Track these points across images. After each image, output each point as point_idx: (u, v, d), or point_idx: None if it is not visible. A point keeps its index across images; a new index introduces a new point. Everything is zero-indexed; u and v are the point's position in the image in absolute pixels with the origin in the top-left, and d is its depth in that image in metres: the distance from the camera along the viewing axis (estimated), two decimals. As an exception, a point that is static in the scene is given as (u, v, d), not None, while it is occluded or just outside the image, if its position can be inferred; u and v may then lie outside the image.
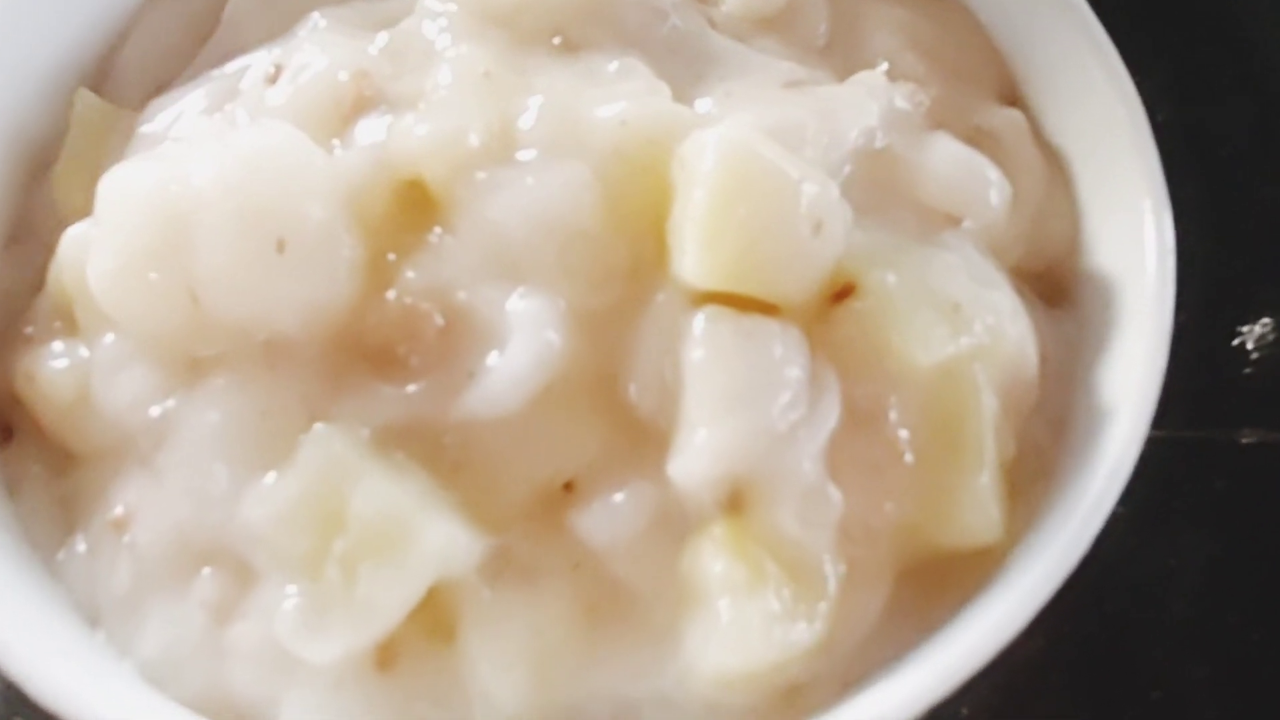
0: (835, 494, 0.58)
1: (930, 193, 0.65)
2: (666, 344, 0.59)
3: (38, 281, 0.68)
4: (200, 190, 0.59)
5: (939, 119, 0.69)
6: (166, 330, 0.61)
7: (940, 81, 0.70)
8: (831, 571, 0.58)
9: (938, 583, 0.60)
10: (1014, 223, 0.66)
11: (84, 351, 0.64)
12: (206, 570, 0.60)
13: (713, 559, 0.56)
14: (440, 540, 0.56)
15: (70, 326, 0.66)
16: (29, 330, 0.66)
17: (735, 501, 0.58)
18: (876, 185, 0.65)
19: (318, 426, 0.58)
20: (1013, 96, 0.70)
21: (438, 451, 0.59)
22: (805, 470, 0.57)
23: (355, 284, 0.60)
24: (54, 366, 0.64)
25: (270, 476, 0.58)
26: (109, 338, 0.63)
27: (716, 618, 0.56)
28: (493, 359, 0.59)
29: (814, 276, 0.59)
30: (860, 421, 0.59)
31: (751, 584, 0.56)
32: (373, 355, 0.60)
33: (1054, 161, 0.70)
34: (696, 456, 0.57)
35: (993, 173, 0.65)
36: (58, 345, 0.65)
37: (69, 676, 0.56)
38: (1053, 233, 0.69)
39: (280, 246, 0.59)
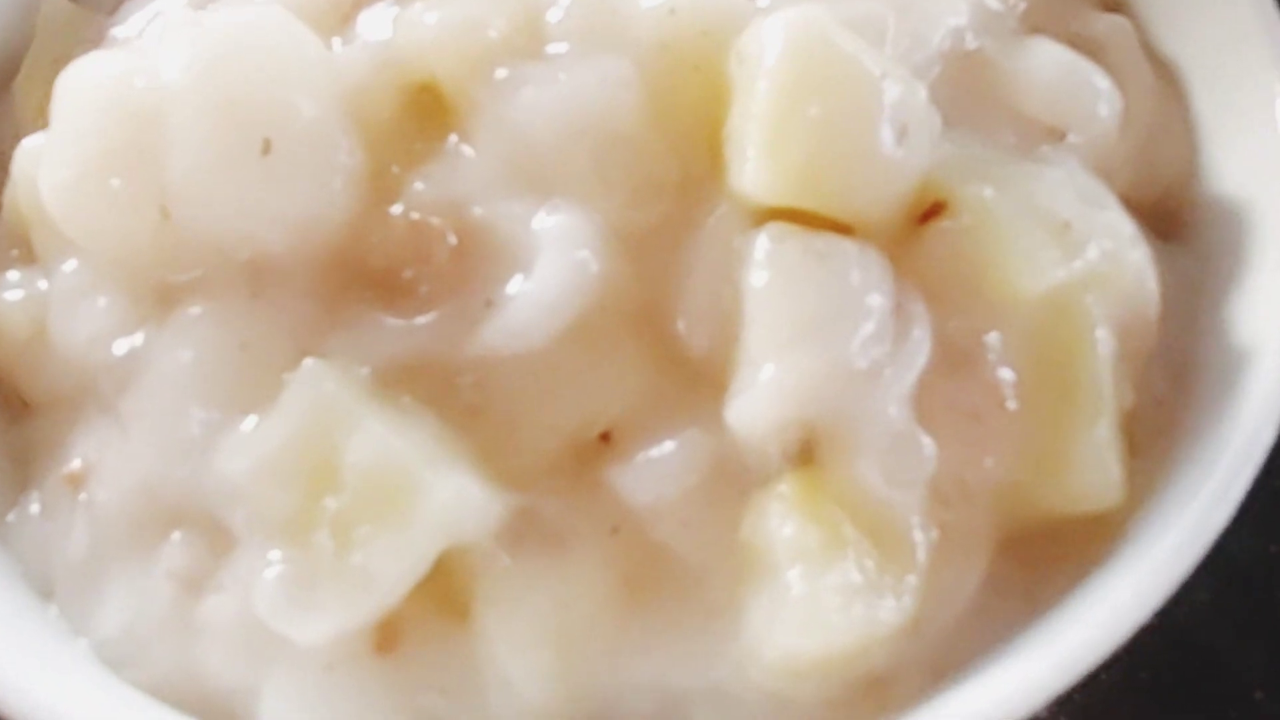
0: (927, 444, 0.47)
1: (1030, 102, 0.55)
2: (722, 269, 0.49)
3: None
4: (170, 81, 0.50)
5: (1035, 23, 0.59)
6: (133, 251, 0.51)
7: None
8: (921, 538, 0.48)
9: (1045, 554, 0.51)
10: (1123, 142, 0.56)
11: (42, 283, 0.55)
12: (176, 534, 0.50)
13: (780, 521, 0.46)
14: (452, 497, 0.47)
15: (28, 255, 0.57)
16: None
17: (807, 452, 0.47)
18: (967, 92, 0.55)
19: (307, 362, 0.48)
20: (1116, 1, 0.58)
21: (450, 394, 0.49)
22: (891, 415, 0.47)
23: (354, 197, 0.50)
24: (7, 299, 0.55)
25: (250, 421, 0.48)
26: (69, 264, 0.54)
27: (785, 591, 0.46)
28: (516, 285, 0.49)
29: (897, 191, 0.50)
30: (954, 361, 0.49)
31: (827, 551, 0.46)
32: (374, 281, 0.51)
33: (1166, 76, 0.60)
34: (760, 397, 0.46)
35: (1101, 81, 0.55)
36: (13, 275, 0.57)
37: (13, 660, 0.46)
38: (1166, 156, 0.59)
39: (265, 147, 0.49)
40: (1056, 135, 0.56)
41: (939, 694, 0.48)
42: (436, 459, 0.48)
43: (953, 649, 0.49)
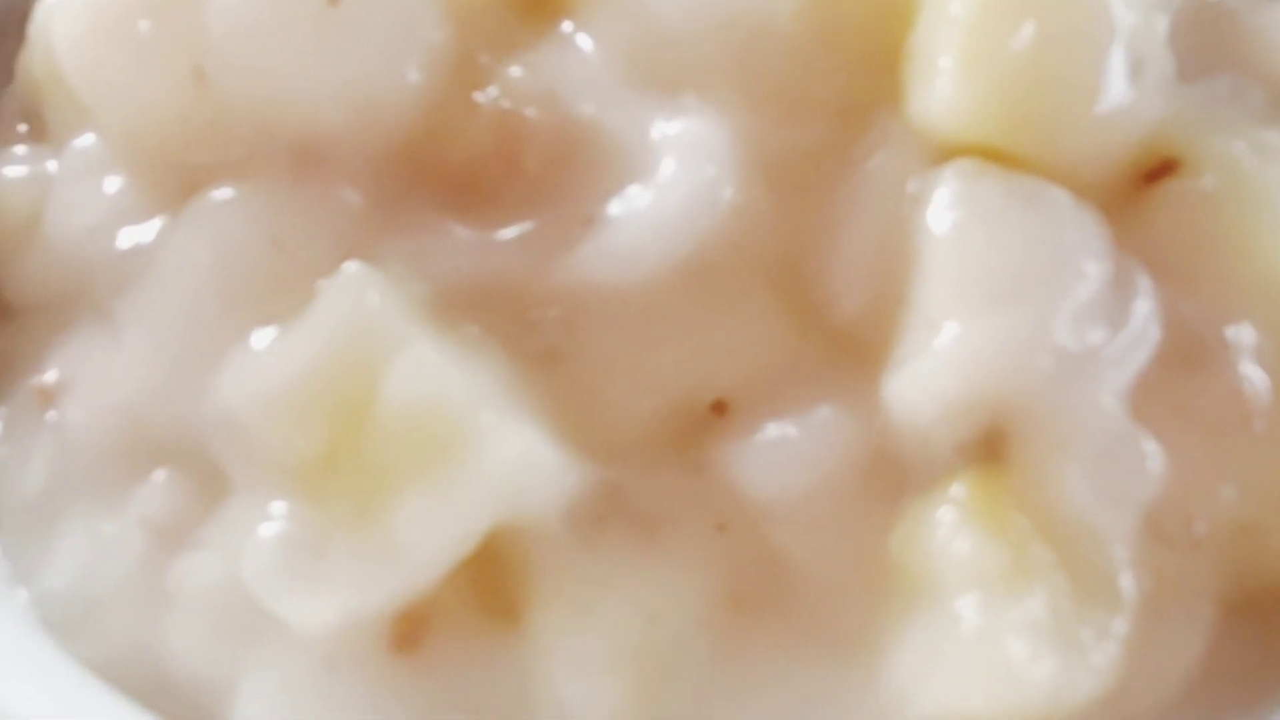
0: (1152, 452, 0.35)
1: (1285, 63, 0.42)
2: (890, 214, 0.38)
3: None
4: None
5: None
6: (157, 122, 0.42)
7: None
8: (1131, 581, 0.35)
9: None
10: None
11: (51, 163, 0.45)
12: (158, 473, 0.39)
13: (951, 533, 0.34)
14: (516, 455, 0.36)
15: (39, 131, 0.46)
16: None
17: (992, 447, 0.35)
18: (1208, 44, 0.46)
19: (350, 265, 0.36)
20: None
21: (528, 331, 0.38)
22: (1107, 409, 0.35)
23: (435, 76, 0.40)
24: (6, 175, 0.44)
25: (271, 333, 0.36)
26: (83, 139, 0.44)
27: (952, 627, 0.34)
28: (626, 201, 0.37)
29: (1123, 140, 0.41)
30: (1189, 355, 0.37)
31: (1013, 579, 0.34)
32: (448, 181, 0.40)
33: None
34: (937, 366, 0.34)
35: None
36: (19, 150, 0.47)
37: None
38: None
39: (333, -3, 0.38)
40: (1320, 105, 0.43)
41: None
42: (501, 405, 0.36)
43: None
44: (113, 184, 0.45)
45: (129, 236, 0.44)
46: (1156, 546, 0.37)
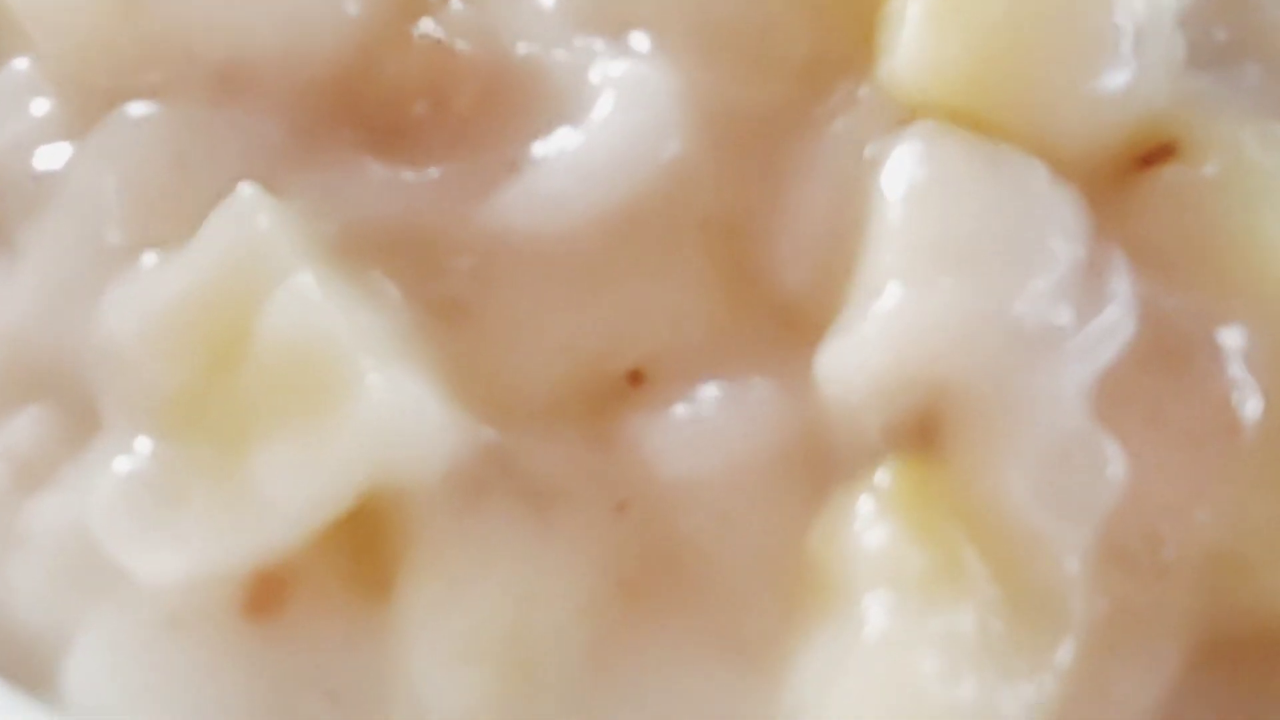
0: (1115, 457, 0.30)
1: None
2: (846, 178, 0.34)
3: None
4: None
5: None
6: (90, 42, 0.41)
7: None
8: (1082, 606, 0.30)
9: (1266, 674, 0.31)
10: None
11: None
12: (32, 408, 0.36)
13: (866, 525, 0.29)
14: (396, 402, 0.32)
15: (-20, 56, 0.43)
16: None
17: (926, 433, 0.30)
18: (1230, 30, 0.40)
19: (243, 187, 0.32)
20: None
21: (437, 279, 0.35)
22: (1065, 403, 0.30)
23: (373, 6, 0.36)
24: None
25: (159, 256, 0.33)
26: (18, 62, 0.42)
27: (857, 631, 0.28)
28: (554, 143, 0.33)
29: (1116, 117, 0.37)
30: (1170, 354, 0.32)
31: (935, 582, 0.29)
32: (371, 116, 0.38)
33: None
34: (874, 334, 0.31)
35: None
36: (-48, 74, 0.43)
37: None
38: None
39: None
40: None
41: None
42: (386, 352, 0.32)
43: None
44: (39, 106, 0.42)
45: (44, 159, 0.41)
46: (1116, 570, 0.32)
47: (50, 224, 0.40)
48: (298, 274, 0.34)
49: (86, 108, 0.41)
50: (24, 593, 0.35)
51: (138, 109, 0.39)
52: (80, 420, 0.37)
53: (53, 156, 0.41)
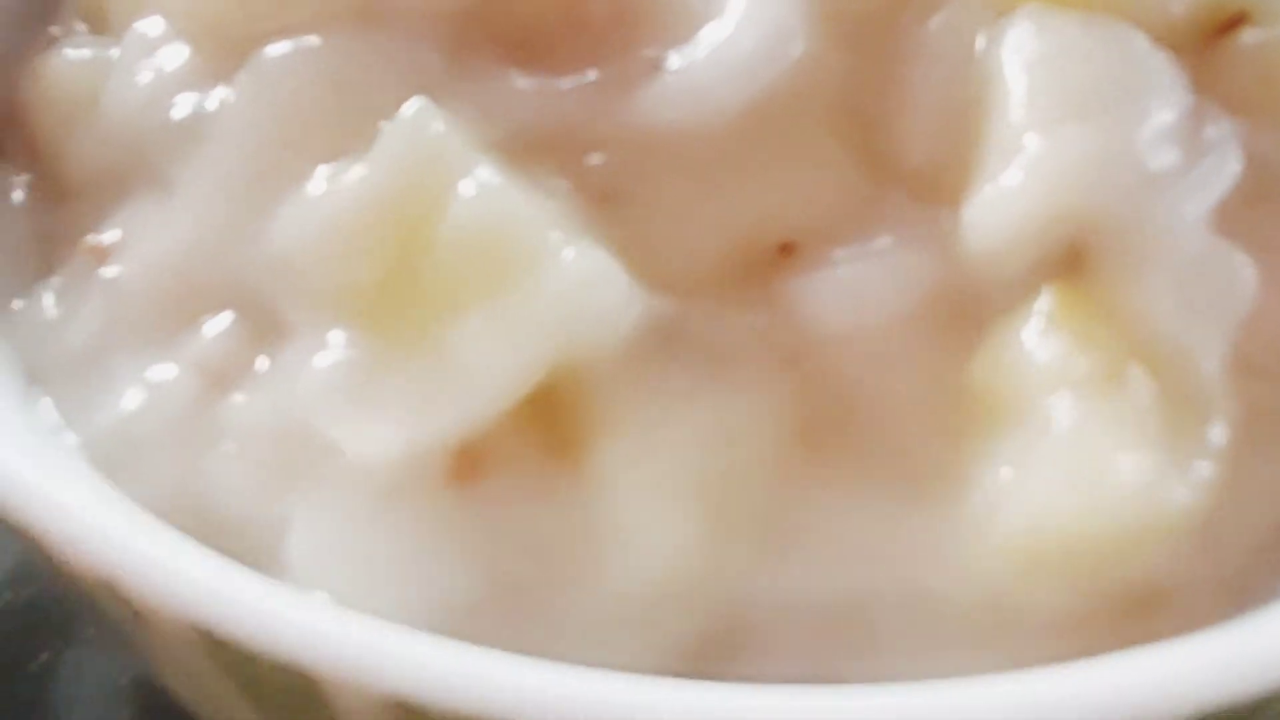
0: (1243, 266, 0.33)
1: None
2: (960, 64, 0.38)
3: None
4: None
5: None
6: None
7: None
8: (1223, 406, 0.33)
9: None
10: None
11: (114, 50, 0.45)
12: (212, 319, 0.38)
13: (1041, 342, 0.32)
14: (582, 275, 0.34)
15: (100, 25, 0.48)
16: (54, 29, 0.47)
17: (1075, 264, 0.34)
18: None
19: (414, 101, 0.35)
20: None
21: (592, 172, 0.38)
22: (1191, 225, 0.33)
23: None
24: (68, 58, 0.46)
25: (332, 170, 0.36)
26: (144, 23, 0.44)
27: (1045, 428, 0.32)
28: (692, 46, 0.37)
29: None
30: (1272, 186, 0.35)
31: (1107, 381, 0.31)
32: (512, 34, 0.41)
33: None
34: (1018, 186, 0.33)
35: None
36: (82, 40, 0.48)
37: None
38: None
39: None
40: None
41: (1226, 627, 0.32)
42: (566, 229, 0.35)
43: (1256, 571, 0.34)
44: (172, 57, 0.44)
45: (187, 104, 0.43)
46: (1247, 379, 0.36)
47: (209, 158, 0.42)
48: (479, 167, 0.37)
49: (226, 54, 0.43)
50: (236, 483, 0.37)
51: (282, 47, 0.42)
52: (264, 327, 0.39)
53: (197, 101, 0.44)
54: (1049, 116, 0.35)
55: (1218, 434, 0.34)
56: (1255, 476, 0.35)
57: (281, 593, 0.33)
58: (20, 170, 0.47)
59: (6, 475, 0.34)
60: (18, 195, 0.46)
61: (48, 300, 0.43)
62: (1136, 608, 0.34)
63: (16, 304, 0.43)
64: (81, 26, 0.50)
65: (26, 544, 0.35)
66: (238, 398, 0.38)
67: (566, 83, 0.40)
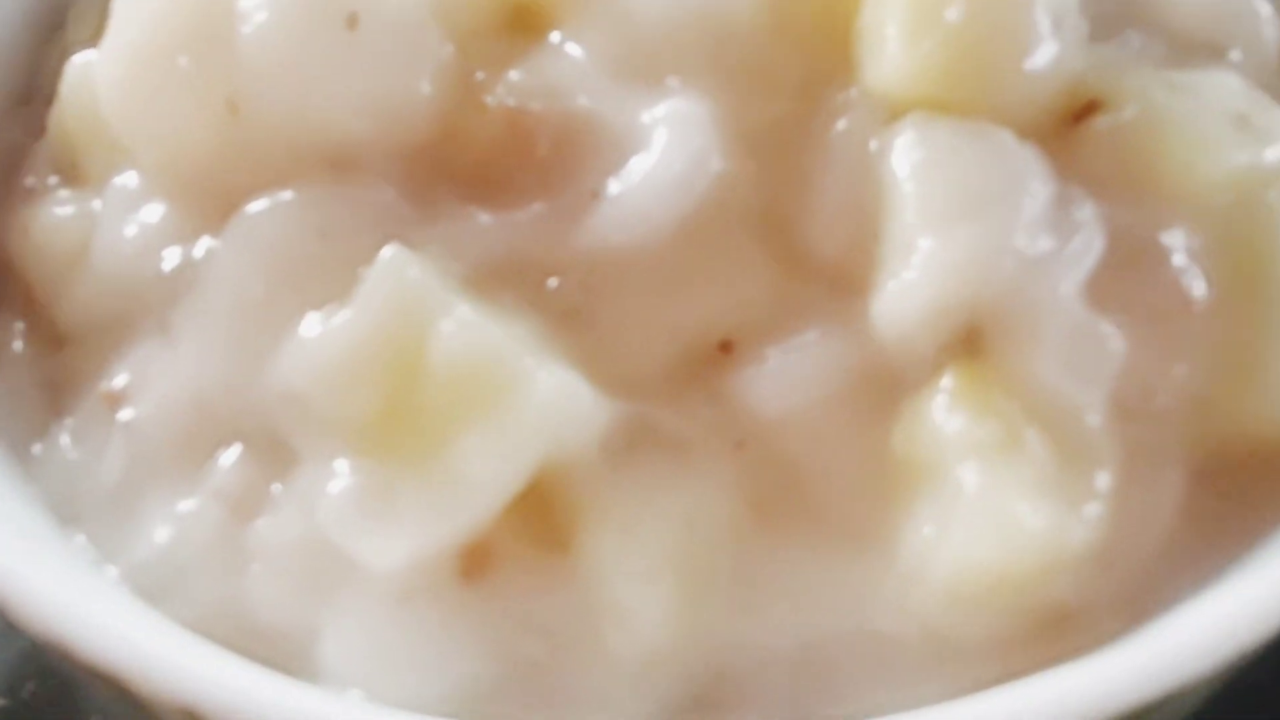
0: (1111, 334, 0.41)
1: (1186, 18, 0.51)
2: (858, 167, 0.45)
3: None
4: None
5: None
6: (195, 153, 0.47)
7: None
8: (1106, 451, 0.41)
9: (1246, 488, 0.43)
10: (1287, 72, 0.51)
11: (95, 203, 0.51)
12: (227, 452, 0.44)
13: (947, 416, 0.40)
14: (556, 394, 0.41)
15: (73, 178, 0.53)
16: (29, 181, 0.52)
17: (971, 344, 0.41)
18: (1114, 9, 0.51)
19: (389, 249, 0.42)
20: None
21: (551, 295, 0.44)
22: (1066, 301, 0.41)
23: (443, 87, 0.46)
24: (54, 215, 0.51)
25: (323, 316, 0.41)
26: (122, 177, 0.50)
27: (958, 491, 0.39)
28: (625, 175, 0.43)
29: (1048, 88, 0.47)
30: (1131, 256, 0.44)
31: (1005, 447, 0.39)
32: (467, 174, 0.46)
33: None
34: (917, 280, 0.41)
35: (1264, 6, 0.50)
36: (62, 194, 0.53)
37: (36, 583, 0.39)
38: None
39: (352, 21, 0.45)
40: (1216, 53, 0.51)
41: (1127, 640, 0.40)
42: (540, 353, 0.41)
43: (1147, 587, 0.41)
44: (154, 212, 0.50)
45: (175, 255, 0.49)
46: (1125, 423, 0.43)
47: (204, 303, 0.47)
48: (456, 307, 0.43)
49: (205, 206, 0.49)
50: (268, 599, 0.43)
51: (261, 203, 0.47)
52: (274, 455, 0.45)
53: (184, 251, 0.49)
54: (937, 218, 0.42)
55: (1104, 478, 0.41)
56: (1138, 507, 0.42)
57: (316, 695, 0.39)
58: (16, 318, 0.52)
59: (72, 614, 0.39)
60: (17, 344, 0.51)
61: (65, 443, 0.48)
62: (1050, 628, 0.41)
63: (35, 448, 0.48)
64: (54, 178, 0.54)
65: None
66: (260, 522, 0.43)
67: (520, 216, 0.46)
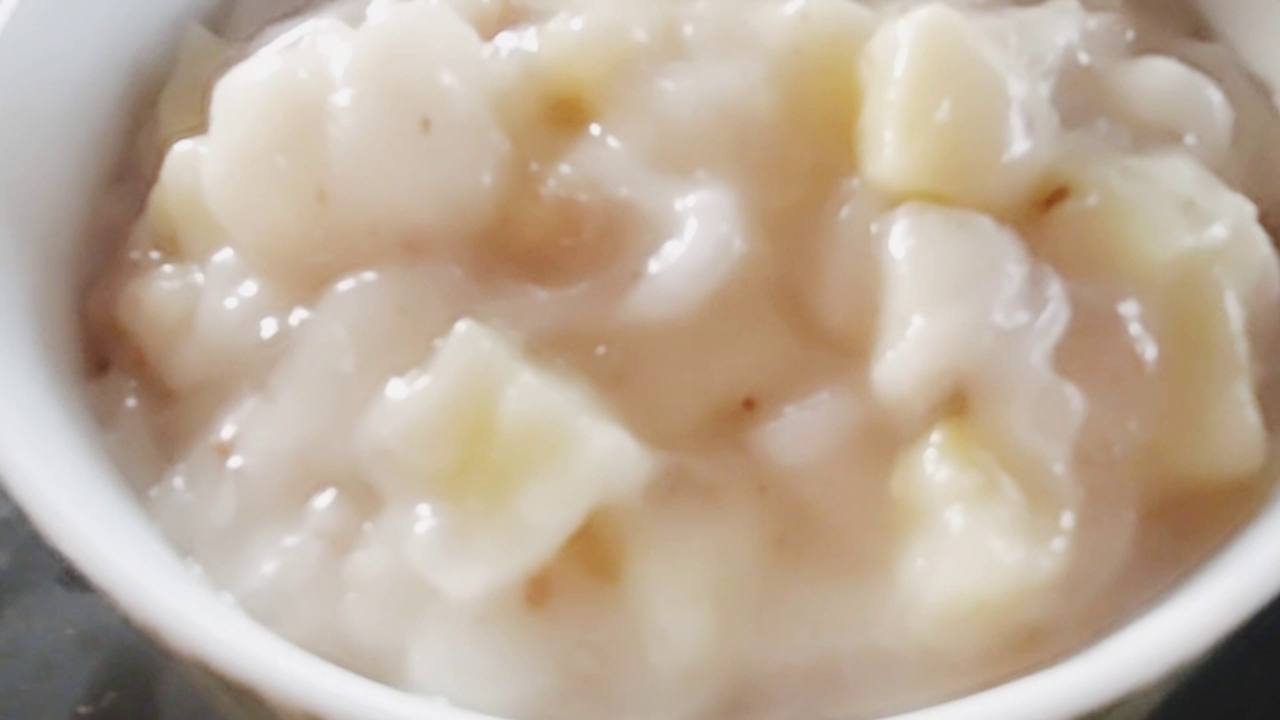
0: (1074, 396, 0.50)
1: (1145, 108, 0.60)
2: (860, 249, 0.53)
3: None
4: (337, 70, 0.54)
5: (1140, 50, 0.64)
6: (288, 236, 0.55)
7: (1135, 14, 0.64)
8: (1070, 494, 0.49)
9: (1191, 523, 0.52)
10: (1237, 153, 0.60)
11: (195, 275, 0.59)
12: (323, 496, 0.52)
13: (935, 467, 0.48)
14: (607, 449, 0.49)
15: (172, 252, 0.61)
16: (134, 255, 0.60)
17: (956, 405, 0.50)
18: (1081, 100, 0.60)
19: (462, 323, 0.50)
20: (1207, 34, 0.66)
21: (599, 361, 0.52)
22: (1036, 368, 0.50)
23: (503, 179, 0.54)
24: (162, 288, 0.59)
25: (405, 382, 0.50)
26: (220, 254, 0.58)
27: (944, 531, 0.47)
28: (662, 257, 0.52)
29: (1023, 178, 0.54)
30: (1092, 326, 0.52)
31: (985, 493, 0.48)
32: (524, 255, 0.54)
33: (1267, 98, 0.63)
34: (911, 350, 0.49)
35: (1214, 94, 0.59)
36: (167, 269, 0.60)
37: (170, 597, 0.47)
38: (1276, 169, 0.62)
39: (425, 126, 0.53)
40: (1172, 137, 0.59)
41: (1088, 653, 0.48)
42: (592, 412, 0.50)
43: (1106, 609, 0.50)
44: (251, 287, 0.57)
45: (271, 325, 0.57)
46: (1086, 470, 0.52)
47: (299, 369, 0.56)
48: (521, 374, 0.51)
49: (295, 282, 0.57)
50: (362, 621, 0.51)
51: (351, 279, 0.56)
52: (365, 499, 0.53)
53: (280, 322, 0.58)
54: (928, 298, 0.51)
55: (1068, 518, 0.50)
56: (1097, 541, 0.51)
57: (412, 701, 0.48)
58: (129, 376, 0.60)
59: (208, 634, 0.47)
60: (131, 401, 0.60)
61: (178, 486, 0.56)
62: (1023, 644, 0.50)
63: (153, 491, 0.57)
64: (156, 253, 0.62)
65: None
66: (354, 556, 0.52)
67: (571, 292, 0.54)
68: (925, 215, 0.52)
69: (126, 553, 0.49)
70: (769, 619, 0.50)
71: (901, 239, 0.52)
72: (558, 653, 0.50)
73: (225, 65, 0.63)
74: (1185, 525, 0.52)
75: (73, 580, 0.66)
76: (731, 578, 0.50)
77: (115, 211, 0.64)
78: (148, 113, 0.68)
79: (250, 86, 0.56)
